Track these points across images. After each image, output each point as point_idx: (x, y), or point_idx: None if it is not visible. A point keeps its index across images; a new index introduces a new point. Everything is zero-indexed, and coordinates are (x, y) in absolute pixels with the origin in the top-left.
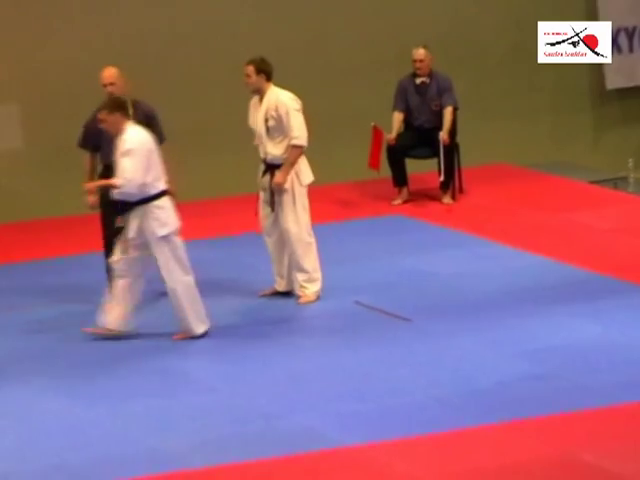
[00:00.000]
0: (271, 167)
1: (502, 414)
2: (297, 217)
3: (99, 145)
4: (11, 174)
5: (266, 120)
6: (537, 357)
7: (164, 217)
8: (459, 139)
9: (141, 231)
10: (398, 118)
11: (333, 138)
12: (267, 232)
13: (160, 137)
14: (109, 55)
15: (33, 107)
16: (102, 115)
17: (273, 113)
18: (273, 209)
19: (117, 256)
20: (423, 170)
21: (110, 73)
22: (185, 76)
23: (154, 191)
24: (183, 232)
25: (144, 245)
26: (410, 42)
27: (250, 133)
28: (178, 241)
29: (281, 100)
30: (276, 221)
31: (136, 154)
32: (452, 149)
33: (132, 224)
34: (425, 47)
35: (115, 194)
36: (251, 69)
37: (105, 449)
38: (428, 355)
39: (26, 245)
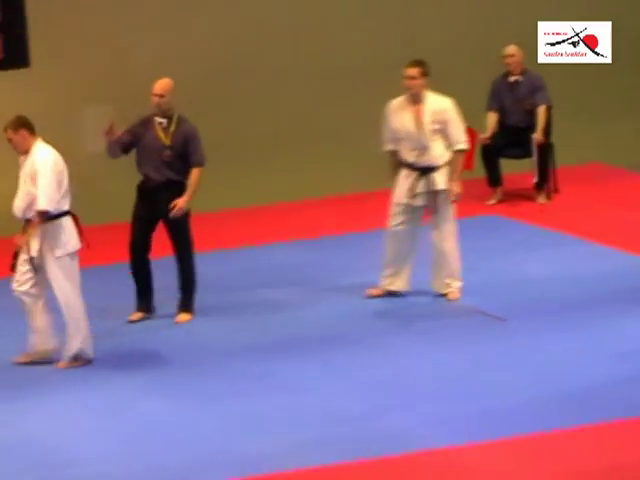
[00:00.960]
0: (427, 170)
1: (599, 415)
2: (451, 216)
3: (129, 147)
4: (107, 175)
5: (430, 124)
6: (632, 358)
7: (64, 238)
8: (553, 138)
9: (40, 250)
10: (492, 118)
11: None
12: (403, 232)
13: (200, 158)
14: (194, 58)
15: (126, 107)
16: (8, 134)
17: (439, 117)
18: (434, 211)
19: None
20: (518, 170)
21: (162, 85)
22: (271, 78)
23: (58, 211)
24: (270, 235)
25: (41, 265)
26: (499, 41)
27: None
28: (74, 263)
29: (447, 106)
30: (414, 223)
31: (47, 172)
32: (546, 149)
33: (34, 243)
34: (516, 44)
35: (39, 216)
36: (417, 71)
37: (201, 451)
38: (523, 355)
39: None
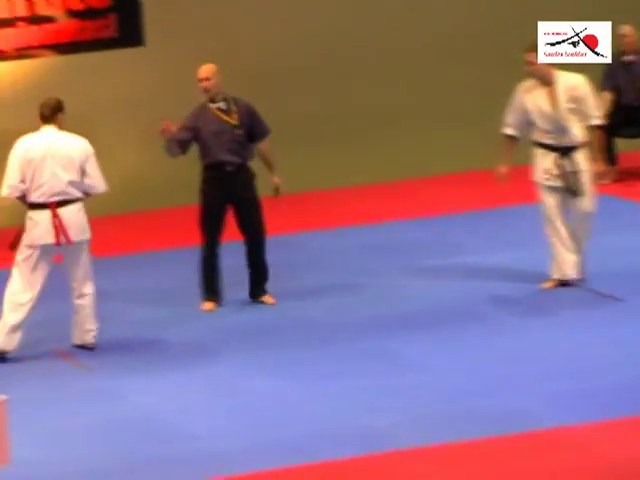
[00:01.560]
0: (567, 150)
1: None
2: (592, 197)
3: (188, 144)
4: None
5: (565, 103)
6: None
7: (27, 230)
8: None
9: None
10: (607, 97)
11: None
12: (557, 219)
13: (267, 128)
14: (312, 35)
15: (237, 86)
16: None
17: (573, 94)
18: (576, 194)
19: None
20: (633, 149)
21: (206, 69)
22: (392, 56)
23: (28, 201)
24: (385, 213)
25: None
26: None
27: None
28: (33, 257)
29: (579, 82)
30: (565, 207)
31: (10, 158)
32: None
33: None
34: (631, 24)
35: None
36: (534, 55)
37: (314, 427)
38: (639, 334)
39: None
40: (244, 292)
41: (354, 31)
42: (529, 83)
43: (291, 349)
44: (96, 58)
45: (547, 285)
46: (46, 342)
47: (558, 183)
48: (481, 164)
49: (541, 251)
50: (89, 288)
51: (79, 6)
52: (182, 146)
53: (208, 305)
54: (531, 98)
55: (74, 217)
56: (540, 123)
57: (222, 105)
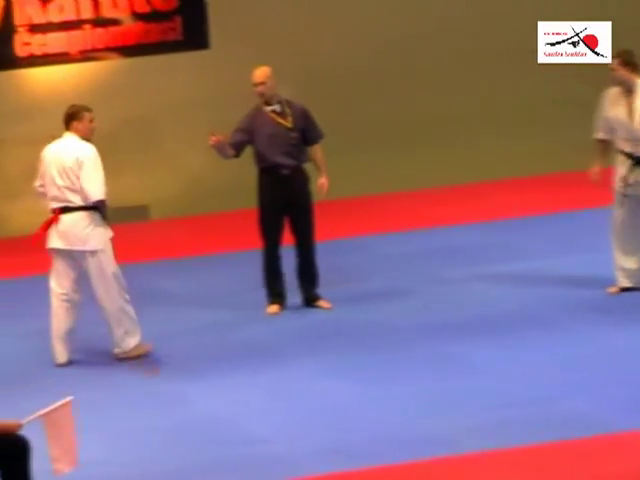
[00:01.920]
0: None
1: None
2: None
3: (242, 146)
4: None
5: None
6: None
7: None
8: None
9: None
10: None
11: None
12: (622, 227)
13: (321, 132)
14: (370, 37)
15: (301, 88)
16: None
17: None
18: None
19: None
20: None
21: (261, 73)
22: (448, 59)
23: None
24: (444, 218)
25: None
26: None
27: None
28: (53, 261)
29: None
30: (635, 212)
31: None
32: None
33: None
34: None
35: None
36: (616, 62)
37: (378, 431)
38: None
39: None
40: None
41: (419, 36)
42: (614, 90)
43: (355, 353)
44: (161, 61)
45: (612, 290)
46: (110, 345)
47: (628, 191)
48: (551, 168)
49: (610, 255)
50: (107, 302)
51: (144, 9)
52: (236, 148)
53: (272, 308)
54: (613, 105)
55: (73, 225)
56: (619, 131)
57: (277, 108)
